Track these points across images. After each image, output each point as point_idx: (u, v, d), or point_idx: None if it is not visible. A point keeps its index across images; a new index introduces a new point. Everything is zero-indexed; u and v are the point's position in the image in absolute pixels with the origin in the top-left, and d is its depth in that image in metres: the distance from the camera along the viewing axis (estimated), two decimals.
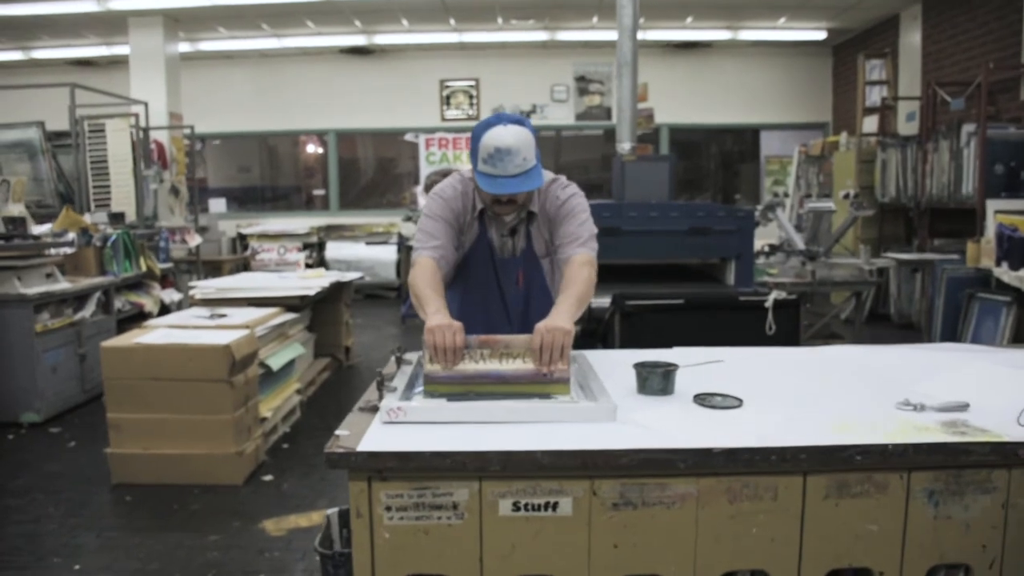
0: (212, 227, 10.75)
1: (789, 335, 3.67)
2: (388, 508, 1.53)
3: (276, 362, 4.39)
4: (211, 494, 3.68)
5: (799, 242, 5.15)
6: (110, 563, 3.03)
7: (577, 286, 2.25)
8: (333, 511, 2.30)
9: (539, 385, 1.87)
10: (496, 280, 2.48)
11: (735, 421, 1.71)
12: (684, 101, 11.08)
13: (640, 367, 1.92)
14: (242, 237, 11.04)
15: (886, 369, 2.20)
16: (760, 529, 1.57)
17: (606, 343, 3.90)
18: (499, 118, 2.20)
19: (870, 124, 9.08)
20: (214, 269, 9.34)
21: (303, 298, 4.93)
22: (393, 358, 2.12)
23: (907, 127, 8.70)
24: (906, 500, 1.59)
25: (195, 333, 3.93)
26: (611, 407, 1.69)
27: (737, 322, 3.68)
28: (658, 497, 1.54)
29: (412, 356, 2.21)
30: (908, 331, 7.57)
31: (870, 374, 2.16)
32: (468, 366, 1.89)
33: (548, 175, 2.43)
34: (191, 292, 4.98)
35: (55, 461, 4.19)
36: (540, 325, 1.92)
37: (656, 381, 1.88)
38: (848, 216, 5.23)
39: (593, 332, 4.12)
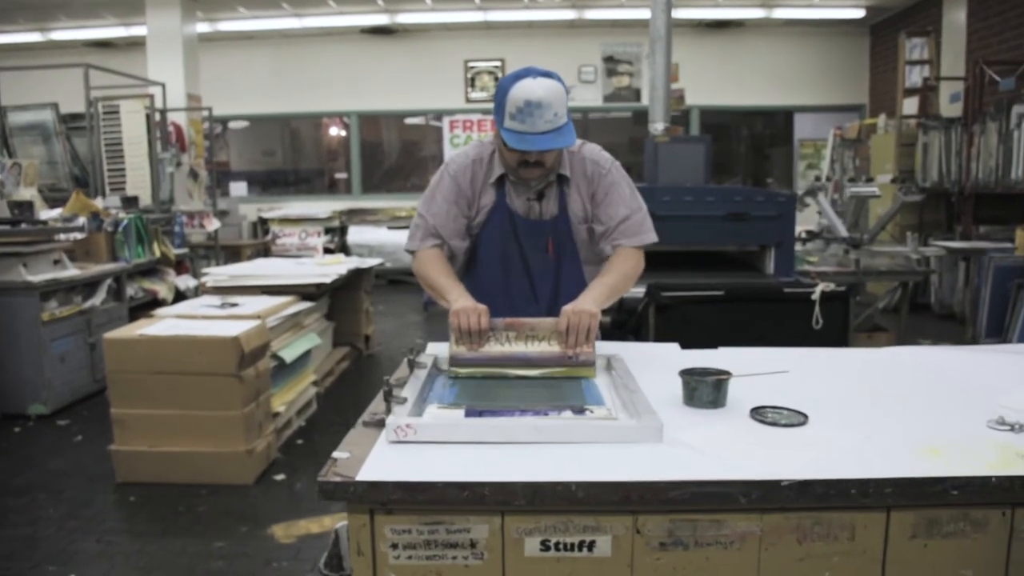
0: (232, 211, 10.60)
1: (837, 331, 3.40)
2: (394, 545, 1.30)
3: (290, 354, 4.18)
4: (219, 495, 3.48)
5: (842, 228, 4.85)
6: (107, 571, 2.84)
7: (614, 275, 2.11)
8: (342, 524, 2.07)
9: (565, 368, 1.89)
10: (519, 250, 2.21)
11: (801, 442, 1.45)
12: (715, 82, 10.72)
13: (688, 375, 1.67)
14: (263, 221, 10.88)
15: (966, 376, 1.93)
16: (834, 574, 1.32)
17: (638, 336, 3.65)
18: (528, 71, 1.98)
19: (910, 106, 8.69)
20: (233, 254, 9.18)
21: (319, 286, 4.72)
22: (405, 360, 1.88)
23: (950, 109, 8.31)
24: (1008, 540, 1.34)
25: (203, 324, 3.73)
26: (657, 426, 1.45)
27: (780, 316, 3.42)
28: (714, 536, 1.30)
29: (427, 356, 1.97)
30: (949, 322, 7.24)
31: (949, 383, 1.89)
32: (493, 348, 1.91)
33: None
34: (202, 280, 4.78)
35: (60, 457, 4.01)
36: (567, 308, 1.92)
37: (706, 392, 1.63)
38: (895, 202, 4.92)
39: (624, 324, 3.88)
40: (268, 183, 11.93)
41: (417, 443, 1.44)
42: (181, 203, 8.11)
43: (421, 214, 2.21)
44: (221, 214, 10.05)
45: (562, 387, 1.82)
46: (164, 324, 3.73)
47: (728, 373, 1.67)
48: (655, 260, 4.50)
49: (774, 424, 1.52)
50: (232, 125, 11.60)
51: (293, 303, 4.43)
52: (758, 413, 1.58)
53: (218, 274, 4.83)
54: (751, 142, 12.30)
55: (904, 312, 4.67)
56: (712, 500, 1.28)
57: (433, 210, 2.19)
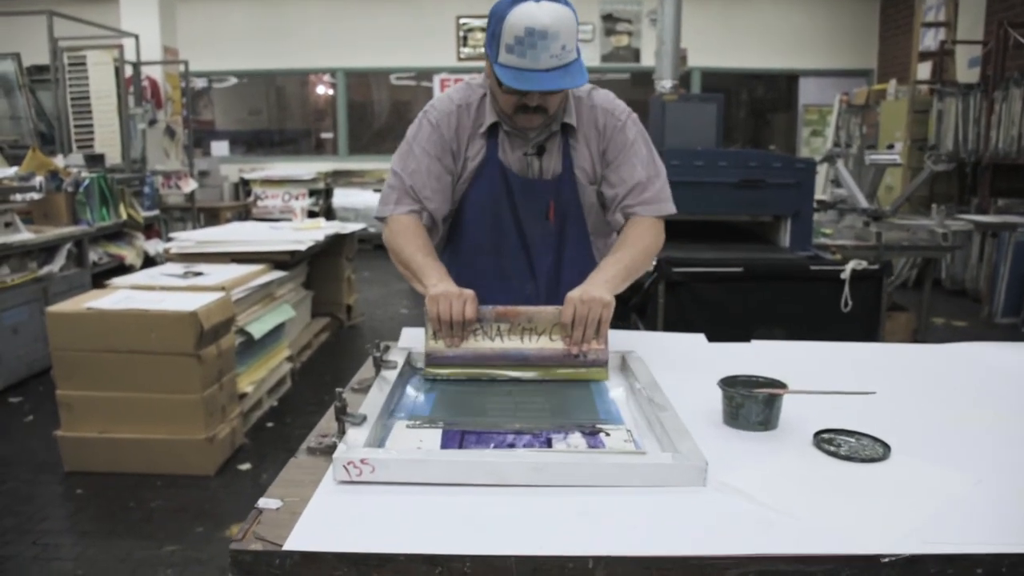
0: (213, 172, 10.14)
1: (868, 313, 3.05)
2: None
3: (259, 329, 3.81)
4: (175, 487, 3.13)
5: (862, 199, 4.48)
6: None
7: (630, 251, 1.71)
8: None
9: (570, 369, 1.53)
10: (514, 216, 1.82)
11: (891, 487, 1.09)
12: (717, 44, 10.26)
13: (730, 387, 1.30)
14: (245, 183, 10.43)
15: None
16: None
17: (644, 316, 3.29)
18: None
19: (924, 71, 8.29)
20: (212, 217, 8.74)
21: (294, 254, 4.33)
22: (371, 358, 1.51)
23: (968, 74, 7.90)
24: None
25: (159, 296, 3.34)
26: (699, 465, 1.08)
27: (804, 295, 3.06)
28: None
29: (400, 351, 1.60)
30: (961, 299, 6.92)
31: None
32: (482, 344, 1.55)
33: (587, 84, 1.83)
34: (166, 246, 4.39)
35: (5, 441, 3.64)
36: (573, 294, 1.54)
37: (755, 410, 1.27)
38: (925, 171, 4.55)
39: (627, 300, 3.52)
40: (254, 143, 11.45)
41: (376, 484, 1.07)
42: (156, 162, 7.67)
43: (395, 171, 1.82)
44: (201, 175, 9.61)
45: (567, 394, 1.46)
46: (117, 296, 3.34)
47: (781, 384, 1.31)
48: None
49: (848, 459, 1.16)
50: (217, 84, 11.09)
51: (264, 272, 4.04)
52: (825, 441, 1.21)
53: (184, 240, 4.43)
54: (751, 107, 11.88)
55: (927, 290, 4.32)
56: None
57: (410, 166, 1.79)
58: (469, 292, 1.54)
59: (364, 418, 1.20)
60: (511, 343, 1.53)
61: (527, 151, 1.78)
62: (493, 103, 1.75)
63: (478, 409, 1.38)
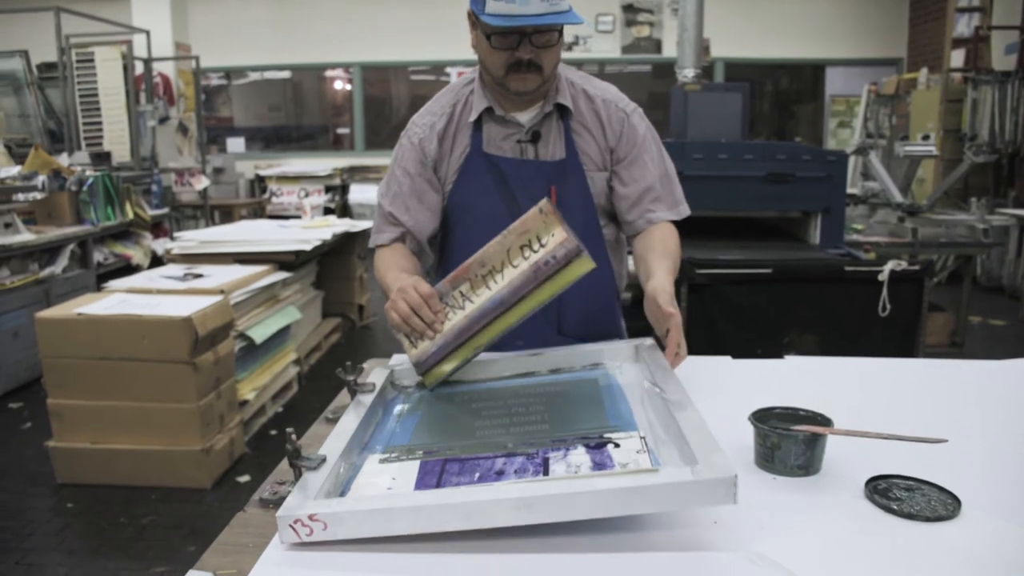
0: (228, 169, 10.02)
1: (908, 318, 2.83)
2: None
3: (261, 333, 3.64)
4: (169, 501, 2.97)
5: (897, 193, 4.24)
6: None
7: (671, 256, 1.56)
8: None
9: (549, 282, 1.29)
10: (510, 207, 1.58)
11: (964, 557, 0.89)
12: (740, 33, 9.97)
13: (763, 422, 1.11)
14: (260, 179, 10.31)
15: None
16: None
17: None
18: None
19: (957, 58, 7.98)
20: (226, 215, 8.62)
21: (299, 254, 4.16)
22: (346, 384, 1.31)
23: (1004, 61, 7.58)
24: None
25: (155, 300, 3.18)
26: (727, 479, 0.88)
27: (838, 298, 2.85)
28: None
29: (381, 372, 1.40)
30: (997, 296, 6.63)
31: None
32: (456, 319, 1.34)
33: (575, 71, 1.68)
34: (168, 246, 4.24)
35: (1, 450, 3.51)
36: (661, 298, 1.34)
37: (795, 452, 1.07)
38: (965, 163, 4.30)
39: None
40: (273, 139, 11.33)
41: (334, 545, 0.88)
42: (169, 160, 7.56)
43: (378, 200, 1.70)
44: (216, 172, 9.51)
45: (571, 396, 1.28)
46: (111, 300, 3.19)
47: (825, 420, 1.11)
48: (680, 227, 3.93)
49: (911, 516, 0.96)
50: (237, 80, 10.98)
51: (267, 273, 3.88)
52: (879, 492, 1.01)
53: (187, 240, 4.28)
54: (775, 98, 11.58)
55: (966, 289, 4.08)
56: None
57: (392, 190, 1.65)
58: (415, 277, 1.41)
59: (323, 460, 1.01)
60: (480, 298, 1.33)
61: (520, 138, 1.60)
62: (482, 75, 1.60)
63: (466, 428, 1.19)
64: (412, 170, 1.63)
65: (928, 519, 0.95)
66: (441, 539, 0.91)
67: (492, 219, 1.59)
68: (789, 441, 1.06)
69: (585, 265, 1.28)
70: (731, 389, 1.44)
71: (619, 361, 1.42)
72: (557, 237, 1.28)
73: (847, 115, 10.50)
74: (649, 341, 1.43)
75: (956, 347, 4.15)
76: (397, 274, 1.50)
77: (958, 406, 1.39)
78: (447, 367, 1.35)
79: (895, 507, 0.97)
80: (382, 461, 1.10)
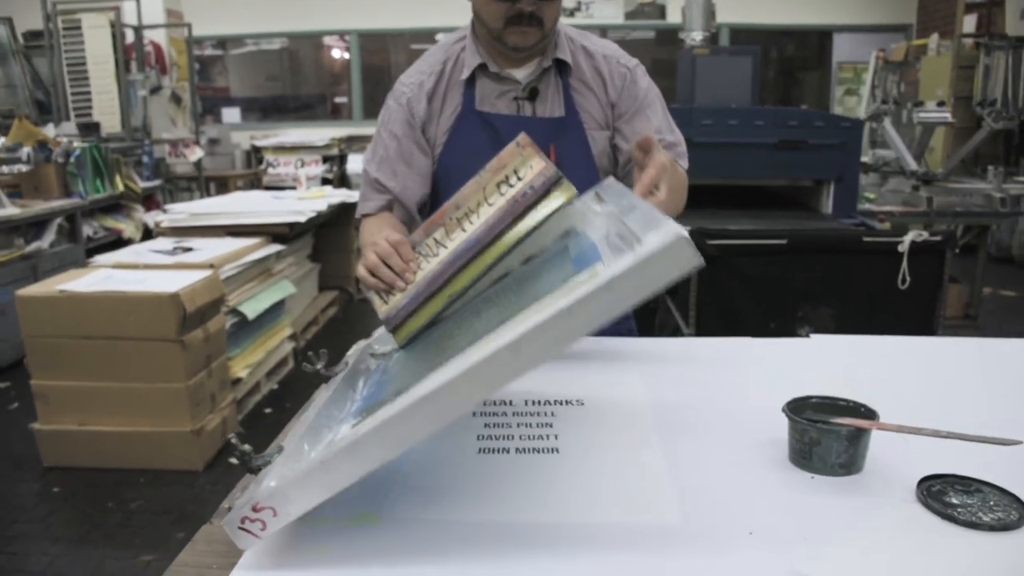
0: (224, 139, 9.86)
1: (929, 291, 2.70)
2: None
3: (253, 308, 3.52)
4: (159, 484, 2.86)
5: (911, 161, 4.09)
6: None
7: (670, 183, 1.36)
8: None
9: (528, 217, 1.13)
10: None
11: None
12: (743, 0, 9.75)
13: (799, 414, 0.98)
14: (256, 150, 10.13)
15: None
16: None
17: (675, 295, 2.96)
18: None
19: (969, 24, 7.77)
20: (222, 186, 8.47)
21: (292, 225, 4.03)
22: (317, 368, 1.17)
23: (1019, 26, 7.37)
24: None
25: (142, 276, 3.05)
26: (675, 234, 0.78)
27: (855, 270, 2.72)
28: None
29: (355, 351, 1.27)
30: (1007, 267, 6.51)
31: None
32: (430, 266, 1.17)
33: (572, 28, 1.55)
34: (157, 219, 4.10)
35: None
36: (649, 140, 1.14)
37: (836, 449, 0.94)
38: (983, 129, 4.15)
39: None
40: (269, 109, 11.15)
41: (306, 539, 0.76)
42: (163, 131, 7.39)
43: (364, 167, 1.57)
44: (211, 143, 9.35)
45: (540, 267, 1.10)
46: (94, 276, 3.06)
47: (869, 412, 0.98)
48: (689, 198, 3.79)
49: (973, 524, 0.83)
50: (233, 50, 10.77)
51: (260, 246, 3.74)
52: (934, 495, 0.89)
53: (177, 212, 4.14)
54: (781, 66, 11.36)
55: (981, 260, 3.94)
56: None
57: (378, 154, 1.53)
58: (388, 230, 1.29)
59: (280, 450, 0.89)
60: (455, 242, 1.17)
61: (517, 95, 1.47)
62: (477, 28, 1.48)
63: (437, 350, 1.03)
64: (399, 132, 1.50)
65: (993, 528, 0.83)
66: (434, 553, 0.79)
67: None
68: (830, 437, 0.94)
69: (566, 192, 1.13)
70: (755, 374, 1.32)
71: (591, 215, 1.22)
72: (535, 168, 1.13)
73: (854, 82, 10.28)
74: (609, 183, 1.26)
75: (970, 319, 4.03)
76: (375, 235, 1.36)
77: (1015, 392, 1.27)
78: (420, 320, 1.18)
79: (955, 513, 0.84)
80: (354, 426, 0.97)
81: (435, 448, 1.04)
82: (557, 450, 1.04)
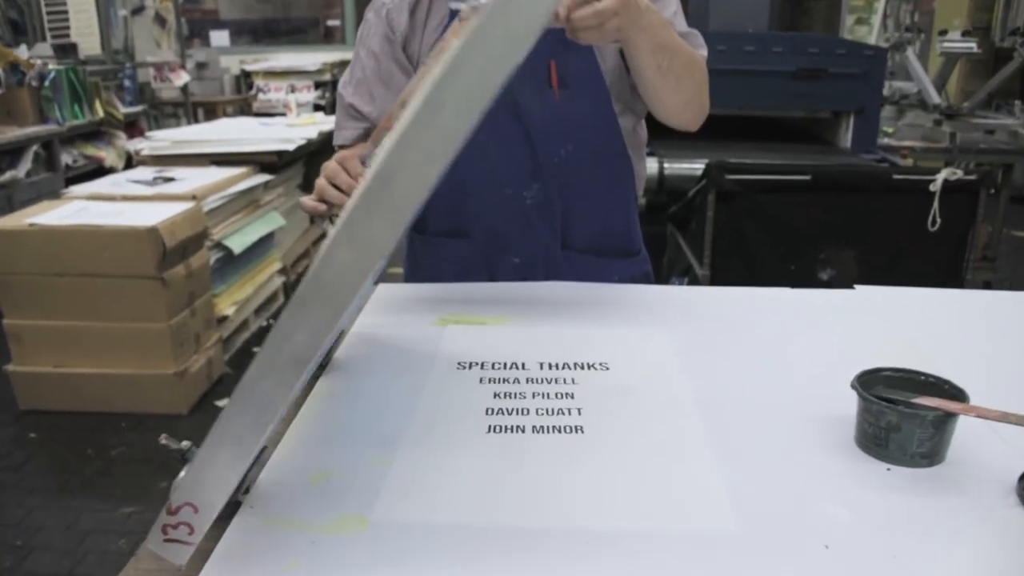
0: (212, 63, 9.50)
1: (959, 234, 2.53)
2: None
3: (240, 242, 3.33)
4: (141, 429, 2.73)
5: (935, 94, 3.88)
6: None
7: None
8: None
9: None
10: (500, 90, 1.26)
11: None
12: None
13: (868, 390, 0.82)
14: (246, 75, 9.78)
15: None
16: None
17: (687, 231, 2.80)
18: None
19: None
20: (210, 112, 8.15)
21: (281, 154, 3.81)
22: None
23: None
24: None
25: (118, 208, 2.86)
26: None
27: (882, 211, 2.54)
28: None
29: None
30: (1019, 207, 6.32)
31: None
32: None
33: None
34: (138, 147, 3.88)
35: None
36: None
37: (919, 436, 0.78)
38: (1016, 60, 3.92)
39: (664, 208, 3.03)
40: (260, 32, 10.76)
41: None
42: (147, 54, 7.08)
43: (339, 90, 1.39)
44: (199, 67, 9.01)
45: None
46: (68, 209, 2.87)
47: (956, 390, 0.82)
48: (700, 128, 3.58)
49: None
50: None
51: (246, 176, 3.53)
52: None
53: (159, 139, 3.92)
54: None
55: (1003, 201, 3.76)
56: None
57: (355, 75, 1.34)
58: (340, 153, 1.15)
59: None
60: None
61: None
62: None
63: None
64: (377, 49, 1.31)
65: None
66: (437, 567, 0.64)
67: None
68: (913, 422, 0.78)
69: None
70: (797, 332, 1.15)
71: None
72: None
73: (865, 11, 9.91)
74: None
75: (988, 261, 3.87)
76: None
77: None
78: None
79: None
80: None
81: (437, 426, 0.88)
82: (581, 429, 0.88)
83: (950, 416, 0.78)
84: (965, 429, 0.82)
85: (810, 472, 0.79)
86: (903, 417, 0.78)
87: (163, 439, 0.70)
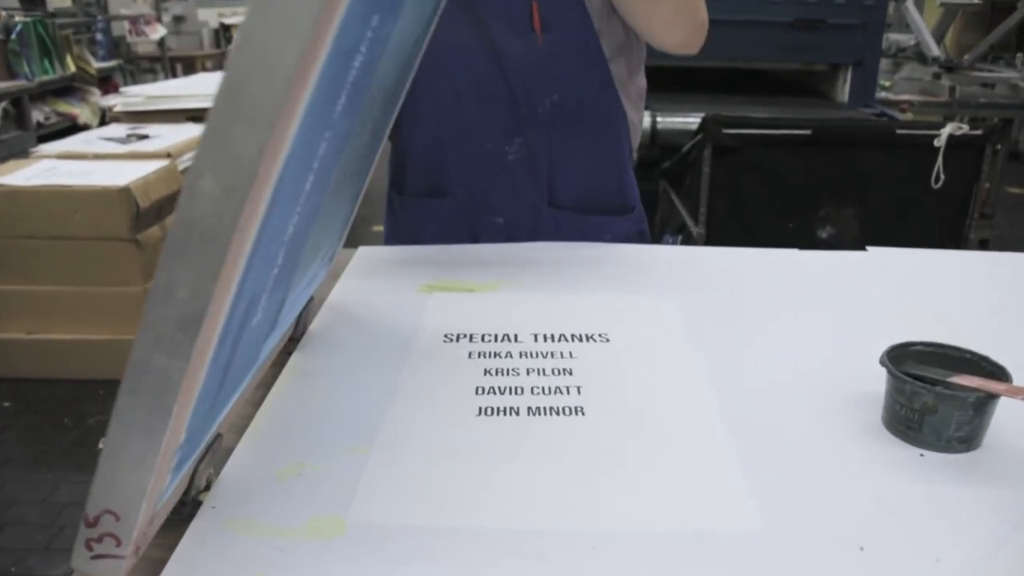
0: (190, 17, 9.25)
1: (963, 191, 2.46)
2: None
3: None
4: None
5: (934, 46, 3.77)
6: None
7: None
8: None
9: None
10: (480, 37, 1.16)
11: None
12: None
13: (898, 366, 0.74)
14: (226, 28, 9.54)
15: None
16: None
17: (680, 187, 2.71)
18: None
19: None
20: (188, 67, 7.96)
21: None
22: None
23: None
24: None
25: (89, 167, 2.75)
26: None
27: (884, 166, 2.46)
28: None
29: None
30: (1016, 163, 6.25)
31: None
32: None
33: None
34: (110, 103, 3.74)
35: None
36: None
37: (957, 420, 0.71)
38: (1019, 11, 3.82)
39: (656, 162, 2.93)
40: None
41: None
42: (120, 6, 6.87)
43: None
44: (176, 20, 8.77)
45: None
46: (35, 168, 2.75)
47: (995, 367, 0.74)
48: (694, 80, 3.47)
49: None
50: None
51: None
52: None
53: (132, 95, 3.77)
54: None
55: (1002, 157, 3.67)
56: None
57: None
58: None
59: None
60: None
61: None
62: None
63: None
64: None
65: None
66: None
67: (453, 52, 1.17)
68: (951, 404, 0.70)
69: None
70: (810, 299, 1.07)
71: None
72: None
73: None
74: None
75: (986, 219, 3.80)
76: None
77: None
78: None
79: None
80: None
81: (423, 409, 0.80)
82: (582, 410, 0.80)
83: (992, 398, 0.71)
84: (999, 410, 0.74)
85: (836, 461, 0.71)
86: (941, 399, 0.70)
87: (103, 445, 0.61)
